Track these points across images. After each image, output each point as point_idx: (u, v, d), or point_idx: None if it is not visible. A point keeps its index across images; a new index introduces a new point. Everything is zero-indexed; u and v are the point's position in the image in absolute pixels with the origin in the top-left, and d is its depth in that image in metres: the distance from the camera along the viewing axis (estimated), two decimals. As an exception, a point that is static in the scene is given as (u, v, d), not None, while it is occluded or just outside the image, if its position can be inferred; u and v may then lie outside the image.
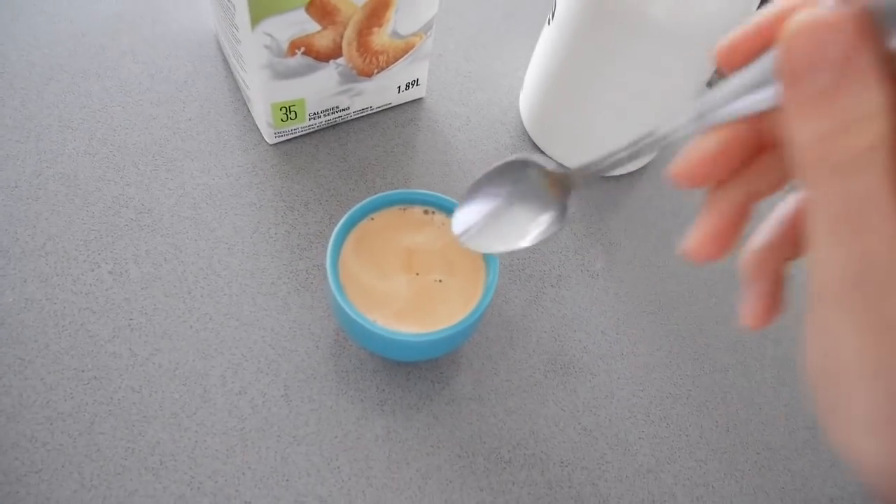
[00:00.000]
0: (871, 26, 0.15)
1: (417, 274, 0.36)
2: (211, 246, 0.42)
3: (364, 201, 0.37)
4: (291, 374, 0.39)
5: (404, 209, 0.38)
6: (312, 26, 0.39)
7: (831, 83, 0.16)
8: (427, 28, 0.44)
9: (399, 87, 0.48)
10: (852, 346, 0.16)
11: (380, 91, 0.47)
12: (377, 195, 0.37)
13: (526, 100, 0.49)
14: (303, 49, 0.40)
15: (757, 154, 0.21)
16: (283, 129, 0.45)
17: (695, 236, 0.20)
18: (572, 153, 0.47)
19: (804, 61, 0.16)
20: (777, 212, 0.22)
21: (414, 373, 0.40)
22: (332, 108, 0.46)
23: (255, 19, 0.37)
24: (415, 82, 0.48)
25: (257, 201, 0.44)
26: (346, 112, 0.47)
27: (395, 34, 0.43)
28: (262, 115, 0.44)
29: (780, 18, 0.18)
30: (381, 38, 0.42)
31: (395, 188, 0.46)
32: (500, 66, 0.54)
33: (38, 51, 0.48)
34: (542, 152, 0.49)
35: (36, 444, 0.35)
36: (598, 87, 0.42)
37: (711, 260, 0.20)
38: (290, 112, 0.44)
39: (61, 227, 0.42)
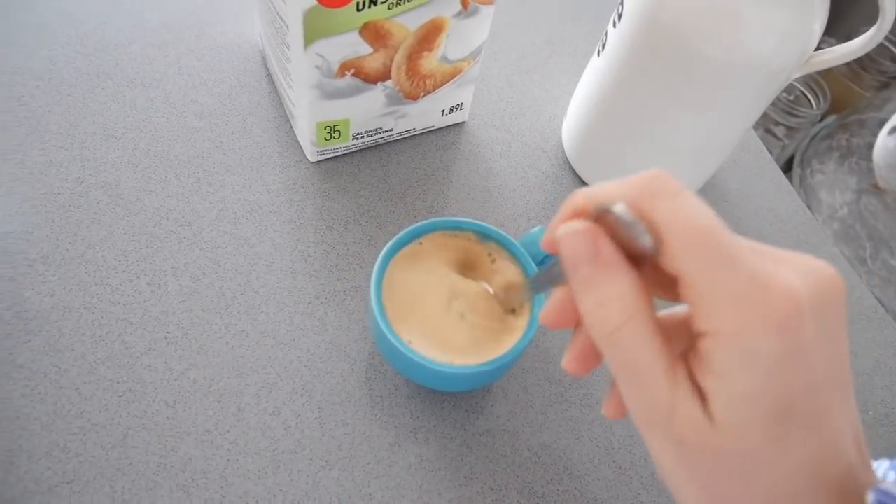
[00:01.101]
0: (610, 227, 0.21)
1: (461, 302, 0.35)
2: (250, 262, 0.42)
3: (414, 225, 0.36)
4: (326, 396, 0.38)
5: (453, 235, 0.37)
6: (364, 49, 0.39)
7: (588, 273, 0.21)
8: (475, 54, 0.44)
9: (443, 111, 0.48)
10: (663, 463, 0.21)
11: (424, 114, 0.47)
12: (428, 220, 0.37)
13: (569, 129, 0.49)
14: (353, 71, 0.40)
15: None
16: (326, 148, 0.45)
17: (566, 358, 0.25)
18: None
19: (571, 258, 0.21)
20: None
21: (449, 401, 0.39)
22: (376, 129, 0.46)
23: (309, 40, 0.37)
24: (458, 106, 0.48)
25: (297, 219, 0.44)
26: (389, 133, 0.47)
27: (443, 59, 0.43)
28: (306, 133, 0.44)
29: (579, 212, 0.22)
30: (430, 62, 0.42)
31: (435, 211, 0.46)
32: (543, 92, 0.54)
33: (85, 58, 0.49)
34: (584, 182, 0.48)
35: (69, 454, 0.35)
36: (646, 122, 0.42)
37: (580, 375, 0.25)
38: (334, 131, 0.44)
39: (102, 236, 0.42)
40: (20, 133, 0.44)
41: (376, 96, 0.43)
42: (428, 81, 0.44)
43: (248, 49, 0.51)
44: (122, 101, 0.47)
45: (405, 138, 0.49)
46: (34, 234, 0.41)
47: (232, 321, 0.40)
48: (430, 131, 0.49)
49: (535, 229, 0.38)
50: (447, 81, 0.45)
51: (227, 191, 0.44)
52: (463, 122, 0.50)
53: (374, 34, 0.39)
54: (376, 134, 0.46)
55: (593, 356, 0.24)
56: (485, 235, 0.38)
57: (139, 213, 0.43)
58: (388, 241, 0.37)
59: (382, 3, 0.37)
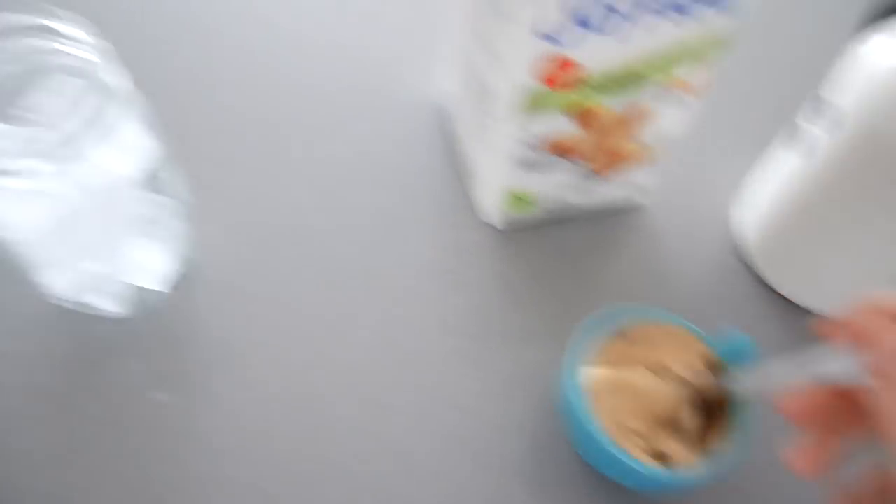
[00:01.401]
0: None
1: (663, 398, 0.35)
2: (428, 323, 0.43)
3: (614, 310, 0.36)
4: (502, 472, 0.38)
5: (657, 326, 0.37)
6: (570, 127, 0.40)
7: None
8: (670, 140, 0.44)
9: (628, 190, 0.48)
10: None
11: (609, 192, 0.47)
12: (633, 307, 0.37)
13: (751, 221, 0.47)
14: (554, 146, 0.41)
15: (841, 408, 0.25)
16: (510, 216, 0.46)
17: (802, 454, 0.24)
18: (806, 291, 0.45)
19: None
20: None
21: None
22: (560, 202, 0.46)
23: (522, 115, 0.39)
24: (642, 187, 0.48)
25: (476, 283, 0.45)
26: (573, 207, 0.47)
27: (640, 142, 0.43)
28: (492, 200, 0.45)
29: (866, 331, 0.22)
30: (627, 144, 0.43)
31: (614, 291, 0.45)
32: (724, 180, 0.52)
33: (276, 100, 0.52)
34: (764, 278, 0.47)
35: (258, 492, 0.36)
36: (852, 229, 0.40)
37: (812, 476, 0.24)
38: (521, 200, 0.45)
39: (287, 274, 0.44)
40: (238, 170, 0.48)
41: (569, 171, 0.43)
42: (621, 162, 0.44)
43: (426, 104, 0.53)
44: (310, 146, 0.50)
45: (586, 214, 0.49)
46: (238, 266, 0.44)
47: (408, 378, 0.41)
48: (609, 208, 0.49)
49: (735, 335, 0.36)
50: (639, 162, 0.45)
51: (408, 245, 0.46)
52: (642, 203, 0.50)
53: (584, 115, 0.39)
54: (560, 206, 0.47)
55: (826, 459, 0.25)
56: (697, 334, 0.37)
57: (326, 259, 0.45)
58: (568, 317, 0.37)
59: (599, 87, 0.38)
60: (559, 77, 0.37)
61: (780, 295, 0.46)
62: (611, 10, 0.34)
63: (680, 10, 0.34)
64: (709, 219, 0.50)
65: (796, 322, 0.45)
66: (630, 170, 0.45)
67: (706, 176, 0.53)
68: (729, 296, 0.47)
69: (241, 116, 0.51)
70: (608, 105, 0.39)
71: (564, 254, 0.47)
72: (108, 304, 0.40)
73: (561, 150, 0.42)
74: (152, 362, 0.40)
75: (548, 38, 0.34)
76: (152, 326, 0.41)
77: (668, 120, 0.42)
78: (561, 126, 0.40)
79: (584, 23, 0.34)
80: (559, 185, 0.45)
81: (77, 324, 0.41)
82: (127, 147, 0.34)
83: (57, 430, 0.37)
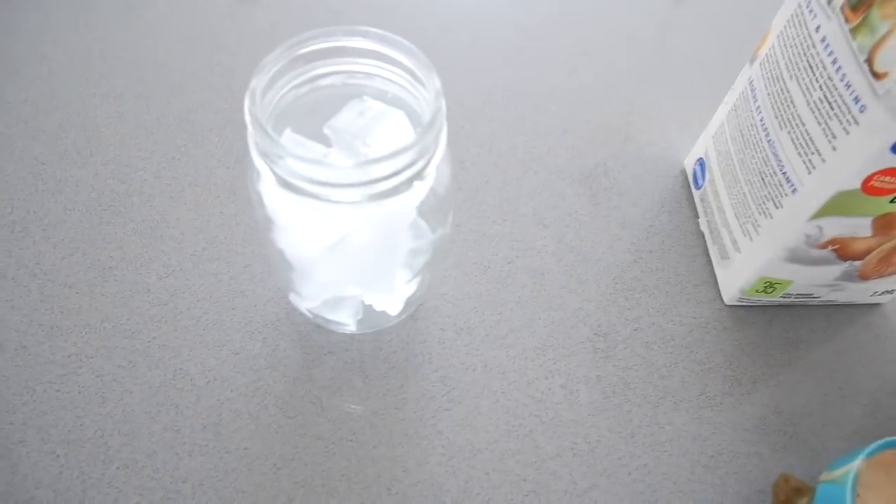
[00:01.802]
0: None
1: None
2: (659, 393, 0.42)
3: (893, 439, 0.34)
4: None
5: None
6: (864, 231, 0.38)
7: None
8: (951, 254, 0.41)
9: (875, 293, 0.45)
10: None
11: (859, 292, 0.44)
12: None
13: None
14: (837, 247, 0.39)
15: None
16: (750, 298, 0.44)
17: None
18: None
19: None
20: None
21: None
22: (807, 294, 0.44)
23: (820, 214, 0.36)
24: (890, 291, 0.45)
25: (706, 361, 0.43)
26: (814, 298, 0.45)
27: (921, 253, 0.40)
28: (739, 280, 0.43)
29: None
30: (909, 254, 0.40)
31: (851, 391, 0.43)
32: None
33: (523, 140, 0.51)
34: None
35: (479, 541, 0.36)
36: None
37: None
38: (770, 287, 0.43)
39: (523, 322, 0.43)
40: (478, 209, 0.47)
41: (834, 270, 0.41)
42: (890, 269, 0.42)
43: (671, 167, 0.52)
44: (552, 191, 0.49)
45: (821, 306, 0.46)
46: (463, 302, 0.43)
47: (636, 451, 0.40)
48: (849, 305, 0.47)
49: None
50: (905, 270, 0.42)
51: (641, 310, 0.45)
52: (880, 304, 0.47)
53: (885, 224, 0.37)
54: (804, 298, 0.44)
55: None
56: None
57: (559, 309, 0.44)
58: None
59: (918, 200, 0.35)
60: (886, 187, 0.34)
61: None
62: (978, 134, 0.31)
63: None
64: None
65: None
66: (893, 276, 0.43)
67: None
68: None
69: (491, 158, 0.50)
70: (916, 218, 0.37)
71: (796, 346, 0.45)
72: (345, 321, 0.40)
73: (842, 252, 0.39)
74: (370, 380, 0.40)
75: (898, 151, 0.32)
76: (378, 347, 0.41)
77: (960, 237, 0.39)
78: (855, 230, 0.38)
79: (945, 143, 0.31)
80: (816, 280, 0.42)
81: (308, 334, 0.41)
82: (424, 176, 0.33)
83: (273, 432, 0.38)
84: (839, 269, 0.41)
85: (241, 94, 0.50)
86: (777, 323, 0.45)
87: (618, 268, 0.46)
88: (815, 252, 0.40)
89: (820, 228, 0.38)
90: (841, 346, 0.45)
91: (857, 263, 0.41)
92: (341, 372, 0.40)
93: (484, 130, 0.51)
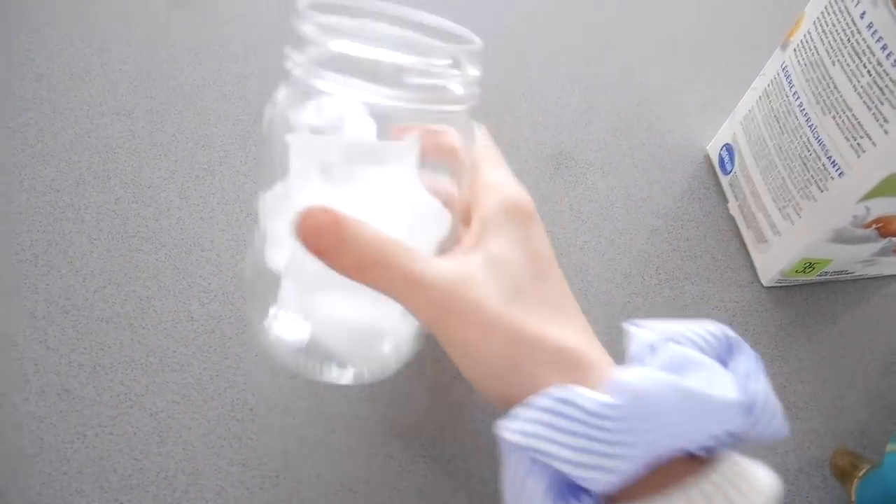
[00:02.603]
0: None
1: None
2: (715, 382, 0.42)
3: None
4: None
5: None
6: (908, 209, 0.39)
7: None
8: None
9: (904, 264, 0.47)
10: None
11: (889, 265, 0.46)
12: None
13: None
14: (880, 225, 0.40)
15: None
16: (787, 279, 0.45)
17: None
18: None
19: None
20: None
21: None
22: (843, 271, 0.45)
23: (869, 196, 0.37)
24: (918, 262, 0.47)
25: (753, 343, 0.44)
26: (848, 275, 0.46)
27: (954, 226, 0.42)
28: (780, 263, 0.44)
29: None
30: (945, 227, 0.41)
31: (880, 359, 0.45)
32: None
33: (548, 134, 0.51)
34: None
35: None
36: None
37: None
38: (809, 267, 0.44)
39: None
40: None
41: (874, 247, 0.42)
42: (926, 242, 0.43)
43: (694, 152, 0.52)
44: (585, 185, 0.49)
45: (853, 280, 0.48)
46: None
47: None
48: (877, 277, 0.48)
49: None
50: (935, 243, 0.44)
51: (687, 299, 0.45)
52: (906, 274, 0.49)
53: (931, 201, 0.38)
54: (840, 275, 0.46)
55: None
56: None
57: (608, 305, 0.44)
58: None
59: (967, 178, 0.36)
60: (937, 167, 0.35)
61: None
62: None
63: None
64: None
65: None
66: (925, 248, 0.44)
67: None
68: None
69: (520, 156, 0.49)
70: (959, 194, 0.38)
71: (833, 319, 0.46)
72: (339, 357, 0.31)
73: (884, 230, 0.40)
74: (434, 392, 0.39)
75: (958, 134, 0.33)
76: (437, 357, 0.40)
77: None
78: (900, 209, 0.39)
79: None
80: (855, 258, 0.44)
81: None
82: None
83: (343, 455, 0.37)
84: (878, 245, 0.42)
85: (257, 103, 0.48)
86: (813, 300, 0.47)
87: (658, 258, 0.46)
88: (859, 231, 0.41)
89: (868, 209, 0.39)
90: (875, 317, 0.47)
91: (894, 240, 0.42)
92: (403, 387, 0.39)
93: (508, 129, 0.50)
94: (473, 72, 0.25)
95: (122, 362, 0.38)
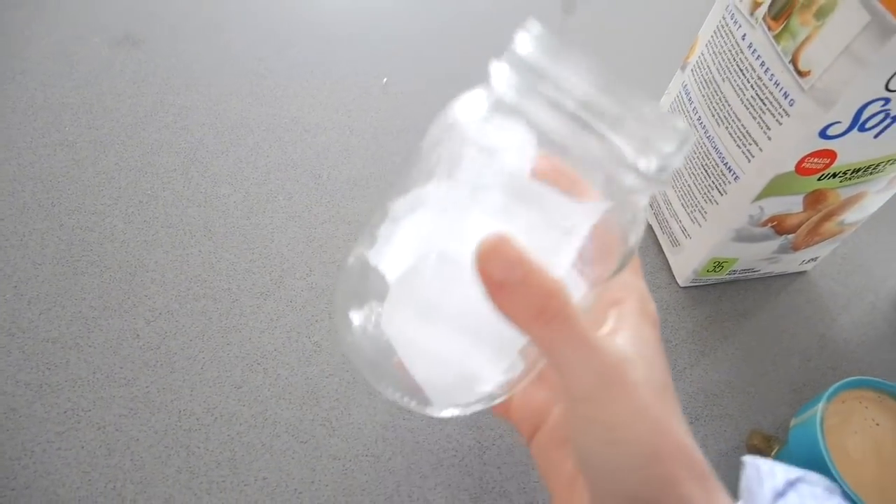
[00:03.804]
0: None
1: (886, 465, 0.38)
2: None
3: (844, 382, 0.39)
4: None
5: (866, 394, 0.40)
6: (797, 207, 0.43)
7: None
8: (863, 220, 0.48)
9: (803, 261, 0.51)
10: None
11: (790, 262, 0.50)
12: (854, 379, 0.40)
13: (915, 298, 0.51)
14: (775, 223, 0.44)
15: None
16: (701, 278, 0.49)
17: None
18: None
19: None
20: None
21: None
22: (750, 269, 0.49)
23: (761, 196, 0.42)
24: (815, 259, 0.51)
25: (672, 339, 0.48)
26: (754, 273, 0.50)
27: (840, 223, 0.46)
28: (692, 263, 0.48)
29: None
30: (831, 224, 0.46)
31: (786, 348, 0.49)
32: (882, 252, 0.57)
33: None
34: (925, 351, 0.51)
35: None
36: None
37: None
38: (719, 266, 0.48)
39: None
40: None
41: (772, 245, 0.47)
42: (817, 238, 0.47)
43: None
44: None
45: (761, 278, 0.52)
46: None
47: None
48: (782, 275, 0.52)
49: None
50: (827, 239, 0.48)
51: (609, 301, 0.48)
52: (806, 271, 0.54)
53: (814, 199, 0.42)
54: (746, 272, 0.50)
55: None
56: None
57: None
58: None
59: (840, 176, 0.41)
60: (815, 167, 0.40)
61: (941, 367, 0.50)
62: (888, 116, 0.37)
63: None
64: (868, 288, 0.54)
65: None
66: (819, 245, 0.49)
67: (871, 252, 0.56)
68: (886, 360, 0.50)
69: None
70: (839, 192, 0.42)
71: (744, 313, 0.50)
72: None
73: (779, 227, 0.45)
74: (375, 395, 0.41)
75: (826, 136, 0.37)
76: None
77: (871, 204, 0.46)
78: (790, 207, 0.43)
79: (862, 127, 0.37)
80: (758, 255, 0.48)
81: (307, 360, 0.42)
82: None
83: (289, 458, 0.38)
84: (776, 243, 0.47)
85: (199, 133, 0.51)
86: (726, 298, 0.51)
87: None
88: (757, 230, 0.45)
89: (761, 209, 0.43)
90: (780, 311, 0.51)
91: (791, 237, 0.46)
92: (346, 391, 0.41)
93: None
94: (676, 160, 0.22)
95: (68, 380, 0.39)
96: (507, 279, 0.20)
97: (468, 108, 0.23)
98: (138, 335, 0.41)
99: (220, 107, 0.52)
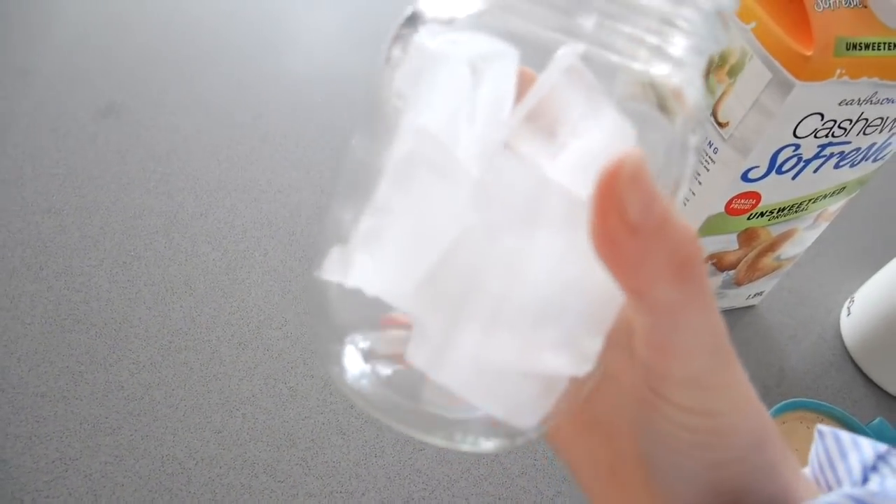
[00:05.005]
0: None
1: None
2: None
3: (783, 403, 0.43)
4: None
5: (810, 414, 0.43)
6: (732, 245, 0.47)
7: None
8: (798, 255, 0.52)
9: (748, 296, 0.55)
10: None
11: (736, 297, 0.54)
12: (794, 400, 0.43)
13: (855, 325, 0.55)
14: (714, 261, 0.48)
15: None
16: (654, 314, 0.52)
17: None
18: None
19: None
20: None
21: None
22: (698, 305, 0.53)
23: (701, 235, 0.45)
24: (761, 293, 0.55)
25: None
26: (703, 308, 0.54)
27: (777, 258, 0.50)
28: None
29: None
30: (768, 260, 0.50)
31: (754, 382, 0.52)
32: (825, 285, 0.60)
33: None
34: (868, 377, 0.54)
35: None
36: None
37: None
38: (669, 303, 0.51)
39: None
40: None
41: (716, 281, 0.50)
42: (757, 274, 0.51)
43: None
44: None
45: (710, 313, 0.56)
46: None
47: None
48: (731, 310, 0.56)
49: (875, 421, 0.43)
50: (768, 274, 0.52)
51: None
52: (754, 306, 0.57)
53: (747, 237, 0.46)
54: (695, 308, 0.53)
55: None
56: (843, 422, 0.43)
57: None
58: None
59: (769, 215, 0.45)
60: (742, 208, 0.44)
61: (883, 391, 0.53)
62: (801, 160, 0.41)
63: (852, 163, 0.42)
64: (814, 320, 0.58)
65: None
66: (761, 280, 0.53)
67: (814, 285, 0.60)
68: (833, 386, 0.54)
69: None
70: (768, 230, 0.46)
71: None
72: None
73: (719, 265, 0.49)
74: (348, 435, 0.44)
75: (748, 179, 0.41)
76: (349, 405, 0.45)
77: (804, 239, 0.50)
78: (726, 245, 0.47)
79: (779, 170, 0.41)
80: (704, 291, 0.51)
81: (283, 404, 0.44)
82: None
83: (267, 497, 0.41)
84: (719, 279, 0.50)
85: (179, 196, 0.54)
86: (678, 333, 0.54)
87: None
88: (700, 267, 0.48)
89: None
90: (735, 344, 0.54)
91: (732, 273, 0.50)
92: (320, 433, 0.44)
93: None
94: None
95: (56, 431, 0.41)
96: (647, 221, 0.14)
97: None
98: (123, 387, 0.44)
99: (199, 172, 0.56)
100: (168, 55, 0.65)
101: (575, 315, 0.16)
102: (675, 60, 0.16)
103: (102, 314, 0.47)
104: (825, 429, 0.22)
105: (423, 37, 0.16)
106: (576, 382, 0.17)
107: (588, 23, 0.15)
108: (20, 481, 0.39)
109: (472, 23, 0.16)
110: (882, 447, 0.21)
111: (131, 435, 0.42)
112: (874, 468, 0.20)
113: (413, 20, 0.16)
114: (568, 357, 0.17)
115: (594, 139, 0.14)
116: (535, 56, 0.15)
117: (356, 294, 0.16)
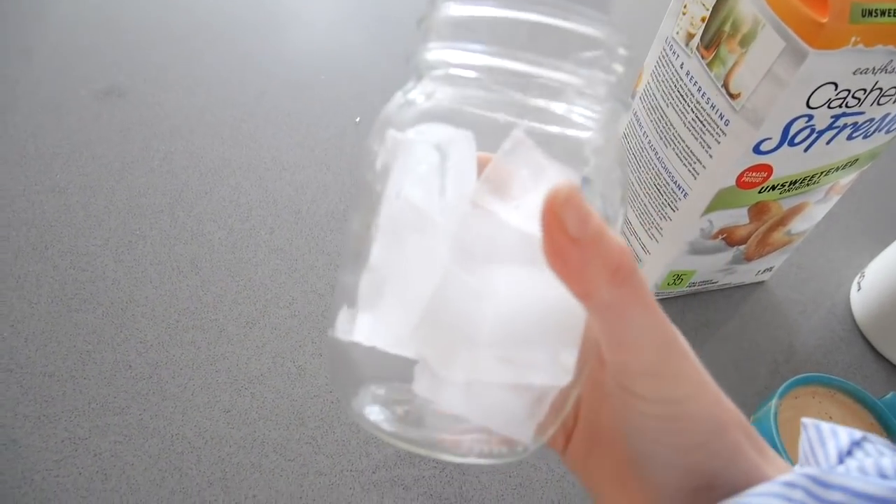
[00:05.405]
0: None
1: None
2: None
3: (794, 379, 0.42)
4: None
5: (826, 389, 0.43)
6: (743, 219, 0.46)
7: None
8: (809, 230, 0.51)
9: (758, 271, 0.54)
10: None
11: (746, 272, 0.53)
12: (805, 376, 0.43)
13: (866, 303, 0.55)
14: (725, 235, 0.47)
15: None
16: (662, 291, 0.52)
17: None
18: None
19: None
20: None
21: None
22: (707, 281, 0.52)
23: (708, 210, 0.45)
24: (770, 269, 0.55)
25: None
26: (713, 284, 0.53)
27: (787, 232, 0.50)
28: (652, 278, 0.51)
29: None
30: (779, 234, 0.49)
31: (749, 355, 0.51)
32: (829, 262, 0.60)
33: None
34: (877, 351, 0.54)
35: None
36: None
37: None
38: (678, 279, 0.51)
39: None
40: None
41: (726, 256, 0.50)
42: (767, 248, 0.51)
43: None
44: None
45: (719, 290, 0.55)
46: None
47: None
48: (741, 286, 0.56)
49: (888, 396, 0.43)
50: (778, 249, 0.52)
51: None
52: (764, 282, 0.57)
53: (758, 211, 0.46)
54: (704, 284, 0.53)
55: None
56: (862, 400, 0.43)
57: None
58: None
59: (781, 189, 0.44)
60: (754, 181, 0.43)
61: (893, 365, 0.53)
62: (813, 131, 0.40)
63: (865, 135, 0.42)
64: (824, 294, 0.57)
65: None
66: (771, 255, 0.52)
67: (823, 260, 0.60)
68: (843, 362, 0.53)
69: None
70: (780, 203, 0.46)
71: (706, 324, 0.53)
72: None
73: (729, 239, 0.48)
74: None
75: (760, 152, 0.41)
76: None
77: (814, 214, 0.49)
78: (737, 219, 0.46)
79: (792, 142, 0.40)
80: (713, 267, 0.51)
81: (292, 382, 0.44)
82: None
83: (277, 476, 0.41)
84: (729, 254, 0.50)
85: (184, 175, 0.54)
86: (689, 310, 0.54)
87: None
88: (710, 243, 0.48)
89: (710, 222, 0.46)
90: (741, 320, 0.54)
91: (742, 248, 0.50)
92: (329, 411, 0.44)
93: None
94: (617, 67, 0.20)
95: (65, 411, 0.41)
96: (583, 234, 0.17)
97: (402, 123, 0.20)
98: (131, 366, 0.44)
99: (203, 150, 0.55)
100: (171, 34, 0.64)
101: (547, 332, 0.19)
102: (593, 122, 0.20)
103: (109, 294, 0.46)
104: (808, 421, 0.23)
105: (394, 132, 0.20)
106: (561, 393, 0.20)
107: (530, 102, 0.19)
108: (30, 461, 0.39)
109: (434, 114, 0.20)
110: (858, 434, 0.23)
111: (140, 414, 0.42)
112: (849, 453, 0.22)
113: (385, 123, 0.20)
114: (549, 370, 0.19)
115: (543, 190, 0.17)
116: (490, 135, 0.19)
117: (365, 347, 0.19)
